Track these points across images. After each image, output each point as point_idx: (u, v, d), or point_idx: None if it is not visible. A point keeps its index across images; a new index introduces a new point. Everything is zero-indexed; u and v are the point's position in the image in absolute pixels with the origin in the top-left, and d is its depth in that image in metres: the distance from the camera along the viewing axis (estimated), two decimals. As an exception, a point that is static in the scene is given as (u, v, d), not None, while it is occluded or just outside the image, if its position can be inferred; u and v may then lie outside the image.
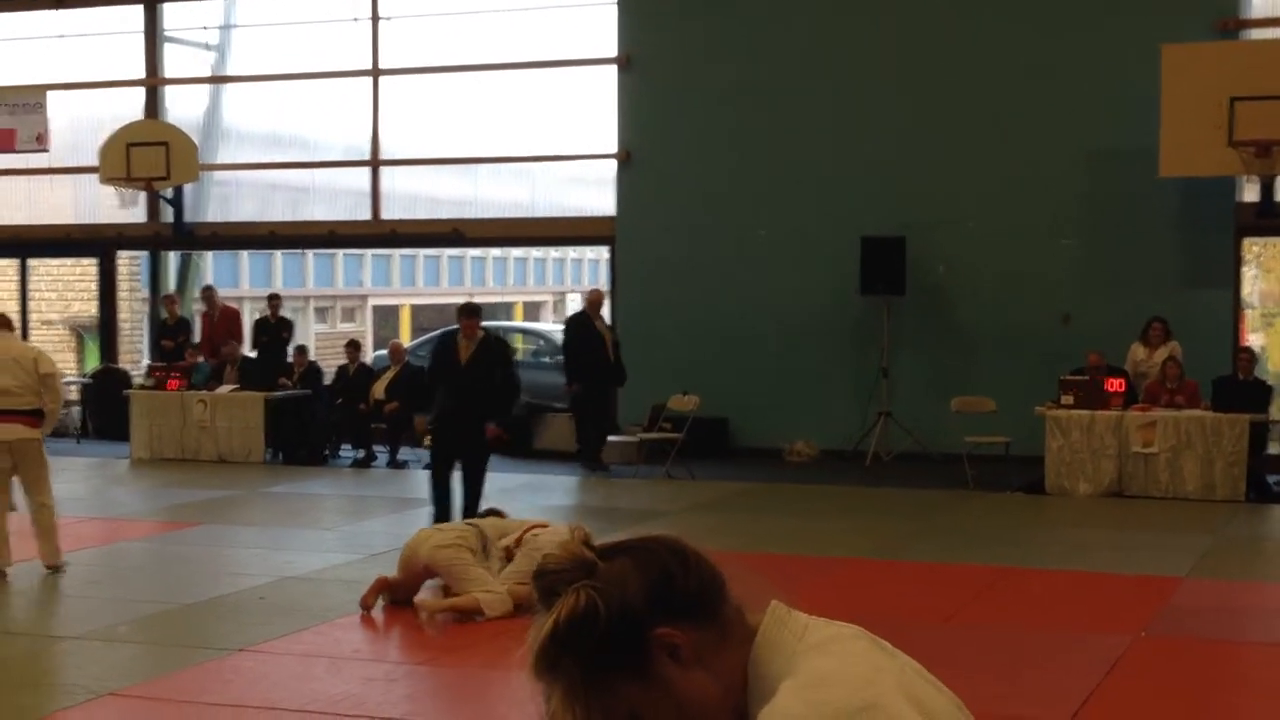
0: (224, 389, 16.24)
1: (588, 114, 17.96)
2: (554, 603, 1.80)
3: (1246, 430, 12.94)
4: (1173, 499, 12.87)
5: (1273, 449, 13.84)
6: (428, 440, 11.33)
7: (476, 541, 8.54)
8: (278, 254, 30.93)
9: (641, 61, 17.15)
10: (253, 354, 17.52)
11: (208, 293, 18.38)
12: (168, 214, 19.20)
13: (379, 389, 16.25)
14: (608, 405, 16.25)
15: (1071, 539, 11.21)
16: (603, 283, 20.20)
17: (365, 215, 18.84)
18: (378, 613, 8.41)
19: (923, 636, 7.58)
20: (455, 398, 10.68)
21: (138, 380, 17.76)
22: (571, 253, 39.98)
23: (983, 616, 8.35)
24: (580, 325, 16.03)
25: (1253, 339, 19.47)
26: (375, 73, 18.61)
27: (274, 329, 17.76)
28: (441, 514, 10.69)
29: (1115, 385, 13.57)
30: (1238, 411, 13.07)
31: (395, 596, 8.52)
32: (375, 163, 18.77)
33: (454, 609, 8.21)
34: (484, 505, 10.39)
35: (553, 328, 25.94)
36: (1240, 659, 7.67)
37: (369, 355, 17.84)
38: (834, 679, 1.74)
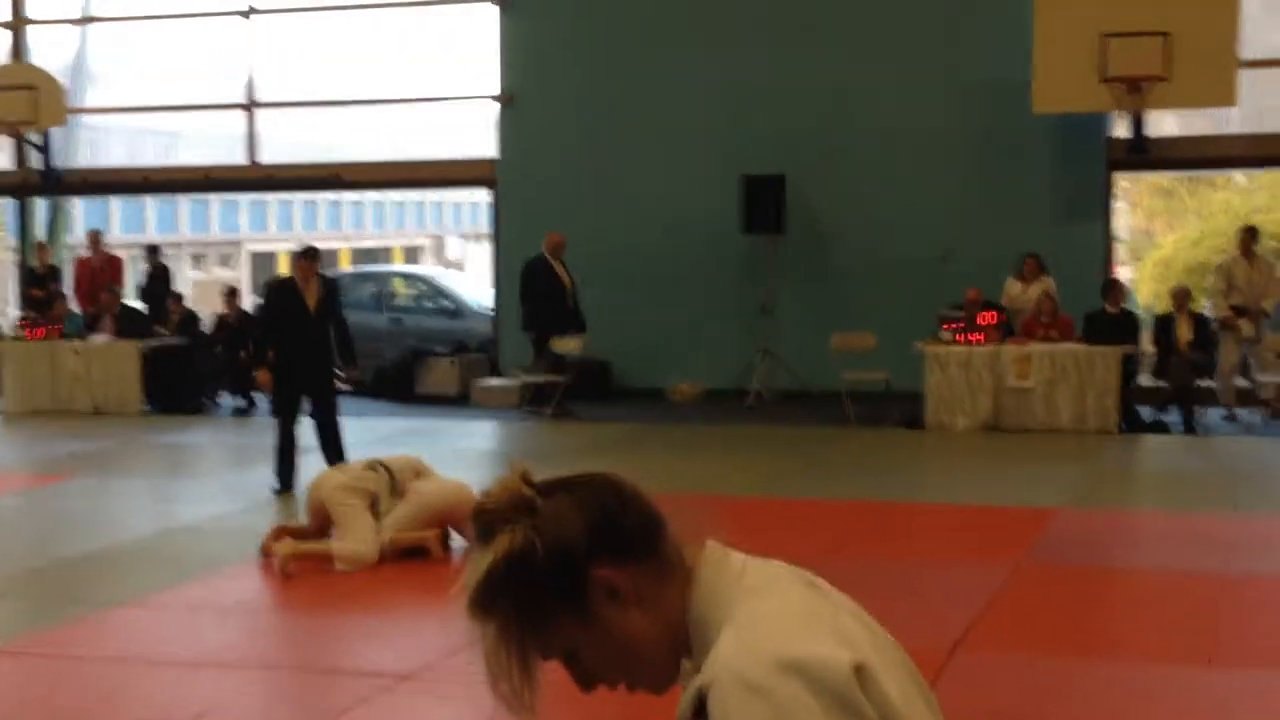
0: (99, 338, 15.93)
1: (469, 56, 17.79)
2: (491, 541, 1.79)
3: (1118, 362, 13.23)
4: (1048, 431, 13.14)
5: (1143, 380, 14.15)
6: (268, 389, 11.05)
7: (380, 484, 8.41)
8: (150, 200, 30.32)
9: (523, 3, 16.99)
10: (136, 304, 17.17)
11: (94, 237, 17.91)
12: (36, 160, 18.73)
13: (258, 336, 16.03)
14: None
15: (950, 472, 11.41)
16: (482, 225, 20.05)
17: (241, 159, 18.52)
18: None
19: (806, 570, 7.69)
20: (305, 346, 10.47)
21: (7, 332, 17.35)
22: (451, 196, 39.64)
23: (865, 550, 8.47)
24: (540, 270, 15.21)
25: (1122, 272, 19.89)
26: (249, 12, 18.24)
27: (155, 279, 17.48)
28: (286, 470, 10.50)
29: (988, 318, 13.78)
30: (1109, 344, 13.35)
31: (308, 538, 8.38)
32: (251, 105, 18.42)
33: (304, 554, 8.10)
34: (367, 453, 10.31)
35: (433, 271, 25.78)
36: (1114, 584, 7.87)
37: (246, 302, 17.54)
38: (770, 626, 1.75)
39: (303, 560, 8.03)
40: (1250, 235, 14.53)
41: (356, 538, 8.13)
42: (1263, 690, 5.82)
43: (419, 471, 8.68)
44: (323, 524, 8.34)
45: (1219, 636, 6.59)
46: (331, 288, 10.90)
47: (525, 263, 15.30)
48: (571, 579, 1.79)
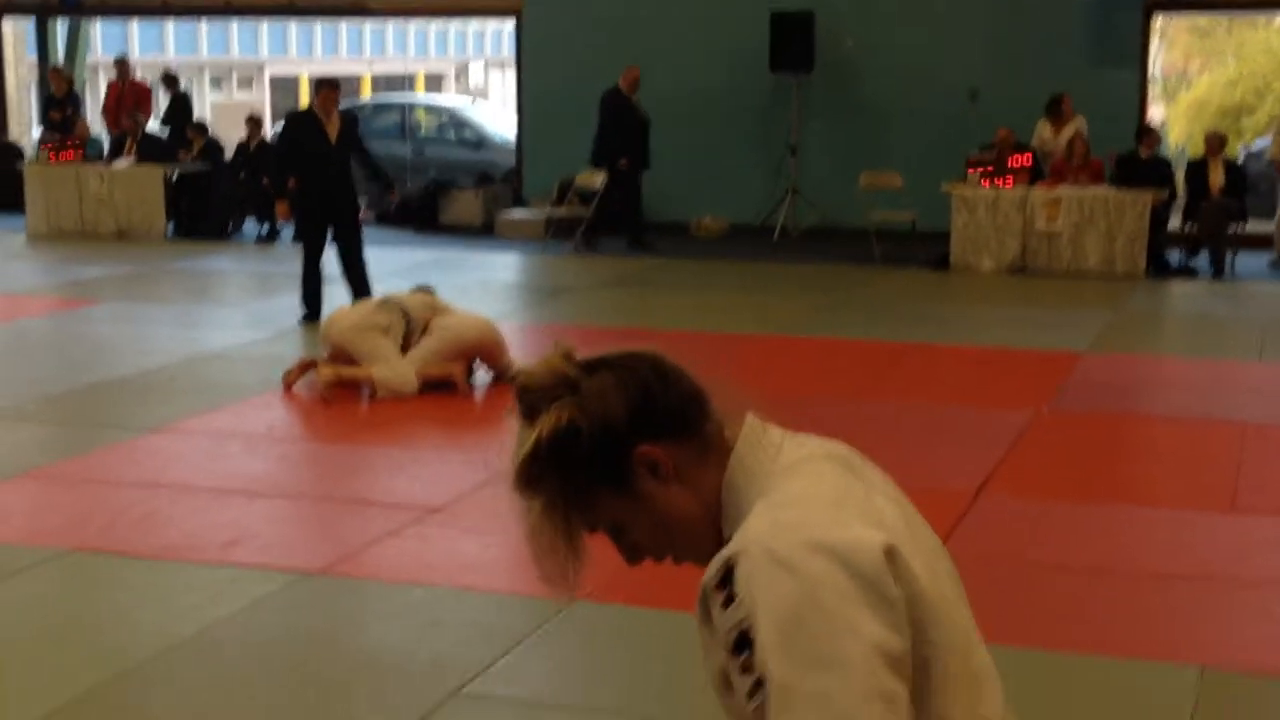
0: (122, 163, 15.86)
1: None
2: (535, 420, 1.81)
3: (1148, 208, 13.11)
4: (1074, 275, 13.07)
5: (1173, 225, 14.04)
6: (286, 220, 11.07)
7: (394, 319, 8.42)
8: (169, 20, 29.93)
9: None
10: (159, 130, 17.05)
11: (122, 66, 17.75)
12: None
13: (282, 163, 15.94)
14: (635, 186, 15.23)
15: (976, 315, 11.38)
16: (506, 52, 19.76)
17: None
18: (300, 389, 8.34)
19: (831, 413, 7.73)
20: (326, 177, 10.38)
21: (29, 152, 17.26)
22: (474, 22, 39.08)
23: (889, 393, 8.50)
24: (618, 104, 14.89)
25: (1154, 111, 19.59)
26: None
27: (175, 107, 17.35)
28: (313, 298, 10.52)
29: (1020, 160, 13.63)
30: (1139, 189, 13.22)
31: None
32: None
33: (348, 379, 8.16)
34: (391, 284, 10.31)
35: (456, 101, 25.52)
36: (1138, 430, 7.90)
37: (268, 129, 17.42)
38: (803, 505, 1.76)
39: (341, 387, 8.10)
40: None
41: (393, 365, 8.18)
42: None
43: (436, 309, 8.67)
44: (346, 363, 8.35)
45: (1240, 483, 6.61)
46: (351, 121, 10.83)
47: (602, 96, 14.94)
48: (615, 456, 1.81)
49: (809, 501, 1.76)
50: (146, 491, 6.41)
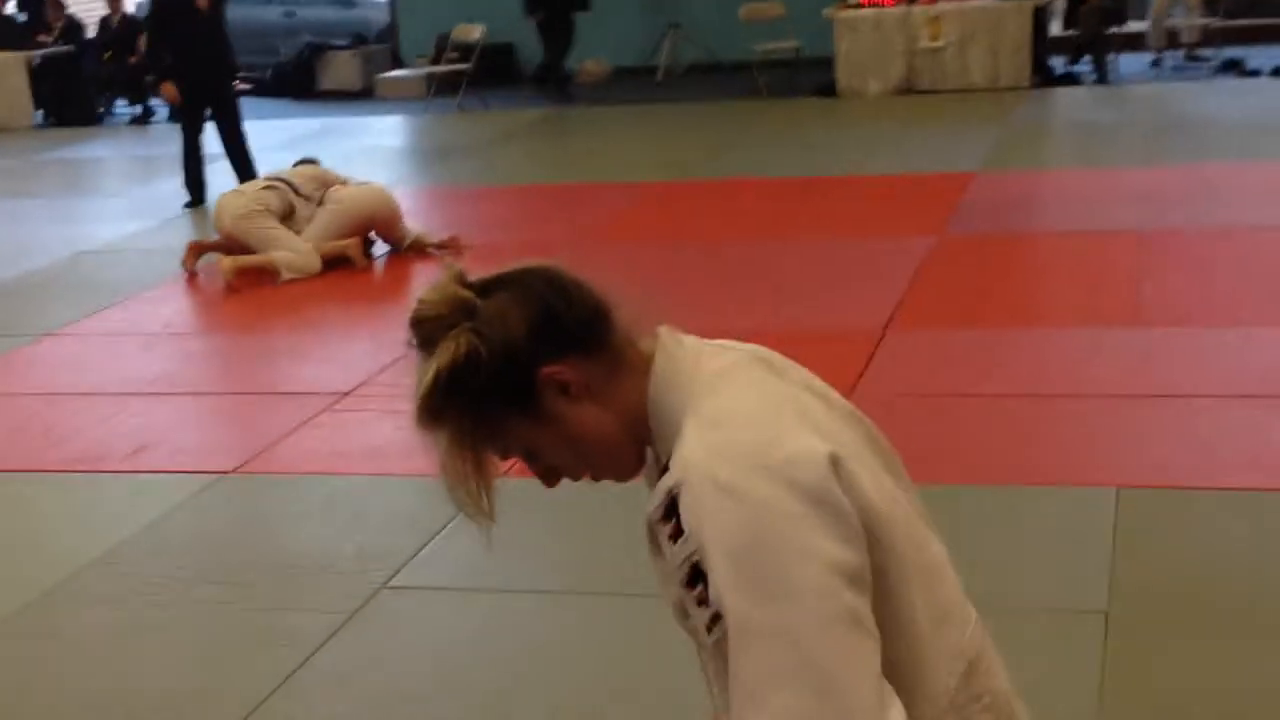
0: (-21, 53, 15.28)
1: None
2: (433, 350, 1.74)
3: (1030, 16, 13.08)
4: (962, 91, 13.06)
5: (1054, 31, 14.03)
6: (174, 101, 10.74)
7: (280, 201, 8.25)
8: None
9: None
10: (15, 12, 16.40)
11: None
12: None
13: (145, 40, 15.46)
14: (570, 30, 14.94)
15: (866, 141, 11.34)
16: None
17: None
18: (202, 275, 8.16)
19: (733, 255, 7.70)
20: (198, 48, 10.06)
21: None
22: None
23: (788, 230, 8.47)
24: None
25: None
26: None
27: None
28: (195, 182, 10.26)
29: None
30: (1009, -1, 13.17)
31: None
32: None
33: (249, 266, 8.01)
34: (274, 158, 10.08)
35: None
36: (1035, 249, 7.96)
37: (130, 3, 16.81)
38: (734, 421, 1.70)
39: (243, 274, 7.93)
40: None
41: (292, 248, 8.02)
42: (1186, 345, 5.95)
43: (326, 181, 8.49)
44: (239, 250, 8.17)
45: (1141, 295, 6.69)
46: None
47: None
48: (519, 379, 1.75)
49: (742, 417, 1.71)
50: (43, 402, 6.27)
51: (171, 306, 7.86)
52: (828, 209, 9.05)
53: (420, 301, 1.77)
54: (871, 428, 1.87)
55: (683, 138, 12.00)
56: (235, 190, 8.72)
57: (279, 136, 12.60)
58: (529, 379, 1.75)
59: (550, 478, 1.87)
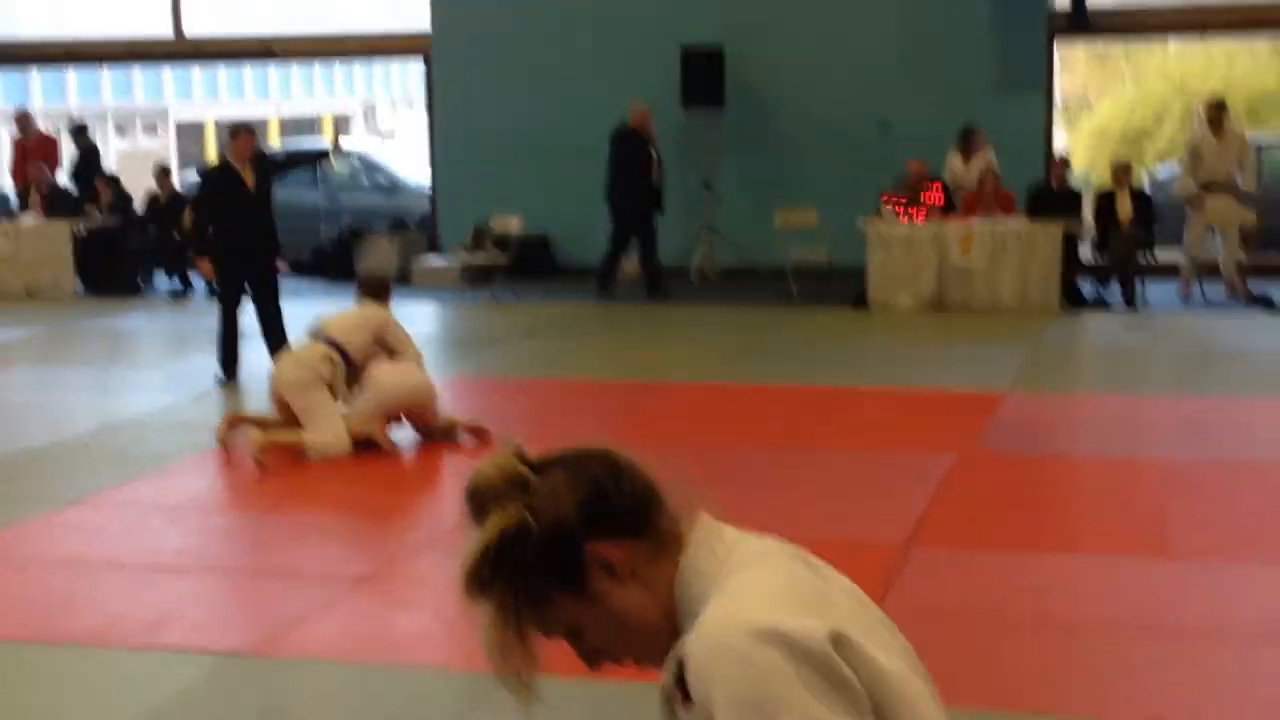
0: (28, 219, 15.59)
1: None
2: (484, 521, 1.77)
3: (1060, 239, 13.26)
4: (991, 310, 13.18)
5: (1084, 256, 14.21)
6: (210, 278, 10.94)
7: (333, 370, 8.30)
8: (71, 67, 29.56)
9: None
10: (67, 184, 16.74)
11: (22, 119, 17.40)
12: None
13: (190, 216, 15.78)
14: (654, 232, 14.75)
15: (896, 354, 11.42)
16: (414, 90, 19.70)
17: (168, 32, 18.03)
18: (235, 447, 8.19)
19: (759, 461, 7.71)
20: (246, 228, 10.23)
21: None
22: (380, 61, 38.89)
23: (816, 439, 8.49)
24: (628, 142, 14.53)
25: (1057, 138, 19.85)
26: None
27: (84, 159, 17.05)
28: (230, 359, 10.36)
29: (933, 196, 13.74)
30: (1051, 220, 13.37)
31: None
32: (176, -25, 17.91)
33: (277, 445, 8.04)
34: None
35: (367, 147, 25.37)
36: (1063, 472, 7.94)
37: (176, 177, 17.18)
38: (752, 596, 1.74)
39: (274, 451, 7.97)
40: (1219, 110, 13.94)
41: (326, 428, 8.06)
42: (1212, 579, 5.90)
43: (381, 336, 8.48)
44: (290, 416, 8.22)
45: (1168, 525, 6.67)
46: (264, 163, 10.67)
47: (612, 134, 14.65)
48: (567, 556, 1.78)
49: (758, 592, 1.75)
50: (65, 570, 6.26)
51: (199, 480, 7.88)
52: (856, 420, 9.08)
53: (476, 473, 1.80)
54: (903, 638, 1.89)
55: (712, 341, 12.11)
56: (294, 357, 8.56)
57: (315, 316, 12.72)
58: (577, 556, 1.77)
59: (593, 659, 1.88)
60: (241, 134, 10.34)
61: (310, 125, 36.18)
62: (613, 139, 14.58)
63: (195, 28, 17.95)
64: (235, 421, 8.40)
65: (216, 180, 10.60)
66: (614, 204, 14.56)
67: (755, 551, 1.84)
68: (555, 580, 1.78)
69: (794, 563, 1.84)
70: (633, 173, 14.45)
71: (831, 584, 1.84)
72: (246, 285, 10.40)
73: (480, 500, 1.79)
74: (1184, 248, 14.02)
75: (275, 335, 10.40)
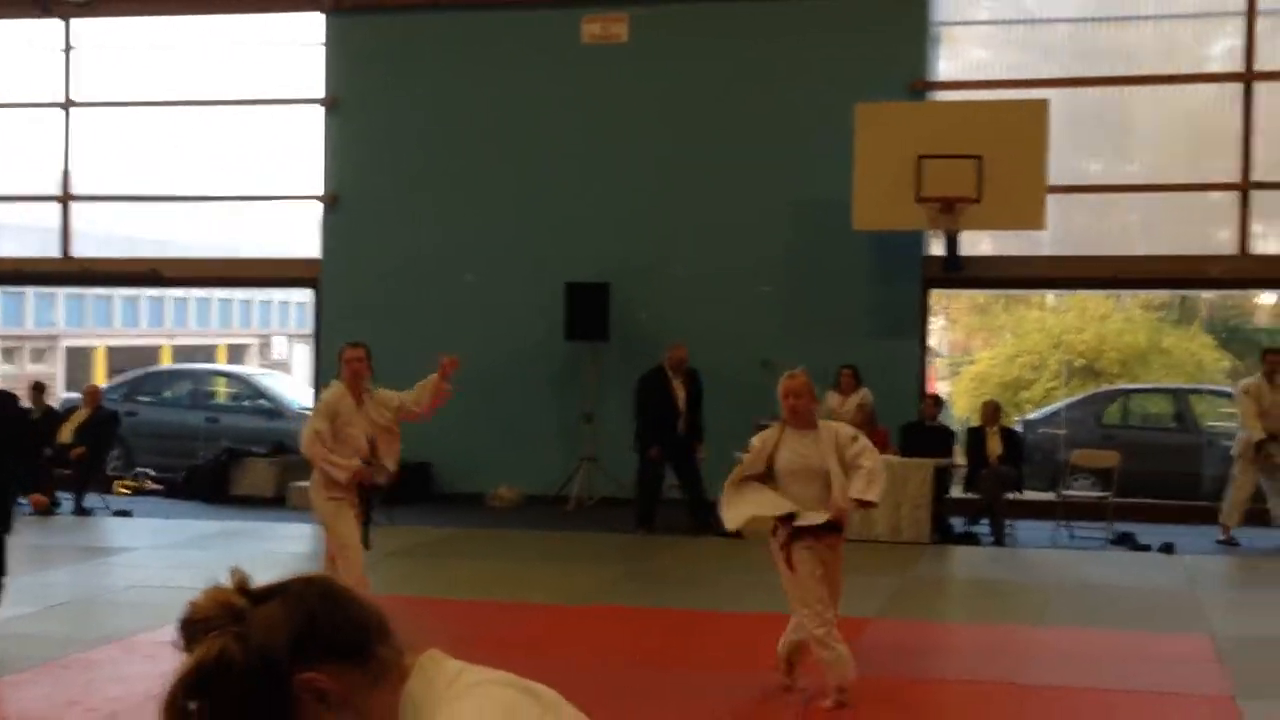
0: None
1: (295, 154, 17.66)
2: (192, 650, 1.75)
3: (931, 474, 13.47)
4: (864, 541, 13.26)
5: (955, 492, 14.43)
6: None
7: None
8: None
9: (349, 104, 16.98)
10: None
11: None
12: None
13: (66, 432, 15.60)
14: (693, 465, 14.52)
15: (766, 580, 11.38)
16: (307, 325, 19.84)
17: (55, 252, 18.08)
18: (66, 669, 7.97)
19: (615, 680, 7.64)
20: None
21: None
22: (278, 295, 39.11)
23: (680, 660, 8.43)
24: (651, 386, 14.52)
25: (941, 386, 20.35)
26: (67, 104, 17.92)
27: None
28: None
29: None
30: (923, 456, 13.60)
31: None
32: (66, 198, 18.05)
33: None
34: (175, 555, 10.00)
35: (253, 371, 25.35)
36: (925, 695, 7.94)
37: (57, 398, 17.05)
38: None
39: None
40: (1277, 358, 13.94)
41: None
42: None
43: None
44: None
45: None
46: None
47: (640, 379, 14.65)
48: (273, 686, 1.76)
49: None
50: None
51: (41, 690, 7.63)
52: (719, 643, 9.05)
53: (190, 604, 1.79)
54: None
55: (581, 566, 12.07)
56: None
57: (185, 534, 12.58)
58: (284, 686, 1.75)
59: None
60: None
61: (204, 354, 36.13)
62: (639, 385, 14.56)
63: (87, 251, 18.02)
64: None
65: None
66: (639, 449, 14.41)
67: (475, 681, 1.84)
68: (263, 708, 1.75)
69: (515, 692, 1.84)
70: (657, 417, 14.31)
71: (550, 709, 1.84)
72: None
73: (190, 631, 1.78)
74: (1229, 497, 13.88)
75: None
